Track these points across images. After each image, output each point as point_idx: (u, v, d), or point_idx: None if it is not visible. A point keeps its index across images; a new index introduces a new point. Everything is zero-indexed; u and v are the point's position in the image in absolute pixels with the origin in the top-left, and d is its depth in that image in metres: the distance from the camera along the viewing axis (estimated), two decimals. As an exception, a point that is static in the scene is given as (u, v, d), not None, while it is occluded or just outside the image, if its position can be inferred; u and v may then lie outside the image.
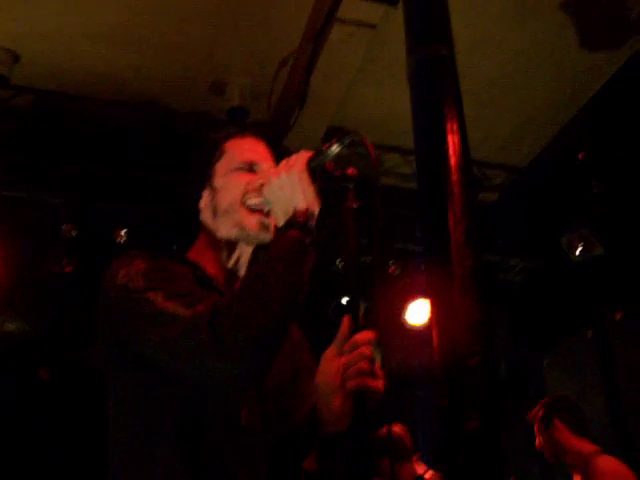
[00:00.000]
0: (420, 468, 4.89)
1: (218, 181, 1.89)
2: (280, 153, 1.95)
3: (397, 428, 4.81)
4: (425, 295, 5.56)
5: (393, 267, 6.03)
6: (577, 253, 5.65)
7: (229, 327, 1.45)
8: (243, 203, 1.82)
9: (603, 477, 3.94)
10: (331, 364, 1.63)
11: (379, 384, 1.55)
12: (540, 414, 4.27)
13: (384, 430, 4.58)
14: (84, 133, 5.21)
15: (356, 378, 1.54)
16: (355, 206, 1.69)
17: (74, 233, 5.19)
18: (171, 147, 5.36)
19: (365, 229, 1.68)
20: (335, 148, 1.67)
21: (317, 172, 1.69)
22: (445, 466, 1.99)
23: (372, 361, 1.56)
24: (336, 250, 5.29)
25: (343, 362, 1.59)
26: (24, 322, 5.91)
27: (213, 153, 1.93)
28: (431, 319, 2.37)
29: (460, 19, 3.47)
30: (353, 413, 1.57)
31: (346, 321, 1.64)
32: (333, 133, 1.70)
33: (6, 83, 4.80)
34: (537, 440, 4.29)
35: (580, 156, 5.47)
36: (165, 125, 5.38)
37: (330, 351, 1.66)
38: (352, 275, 1.63)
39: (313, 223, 1.65)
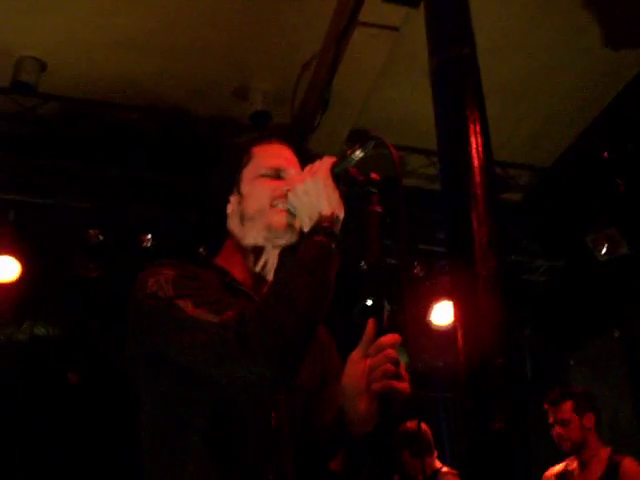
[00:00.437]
0: (437, 463, 4.94)
1: (245, 187, 1.90)
2: (304, 156, 1.97)
3: (424, 425, 4.87)
4: (449, 296, 5.56)
5: (417, 268, 6.03)
6: (603, 252, 5.61)
7: (257, 332, 1.47)
8: (272, 207, 1.84)
9: (630, 478, 4.01)
10: (357, 366, 1.64)
11: (405, 386, 1.56)
12: (575, 404, 4.29)
13: (408, 424, 4.65)
14: (109, 139, 5.27)
15: (381, 380, 1.55)
16: (379, 210, 1.70)
17: (100, 238, 5.25)
18: (195, 152, 5.40)
19: (389, 231, 1.69)
20: (359, 153, 1.69)
21: (341, 177, 1.71)
22: (470, 468, 2.00)
23: (397, 363, 1.57)
24: (361, 253, 5.30)
25: (368, 364, 1.60)
26: (52, 326, 5.98)
27: (240, 159, 1.94)
28: (455, 320, 2.37)
29: (482, 19, 3.47)
30: (378, 415, 1.58)
31: (371, 324, 1.65)
32: (356, 137, 1.72)
33: (33, 91, 4.86)
34: (560, 429, 4.31)
35: (605, 155, 5.44)
36: (189, 130, 5.43)
37: (356, 353, 1.66)
38: (376, 278, 1.64)
39: (338, 228, 1.67)
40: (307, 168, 1.74)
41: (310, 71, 5.10)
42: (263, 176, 1.89)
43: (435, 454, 5.04)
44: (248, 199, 1.88)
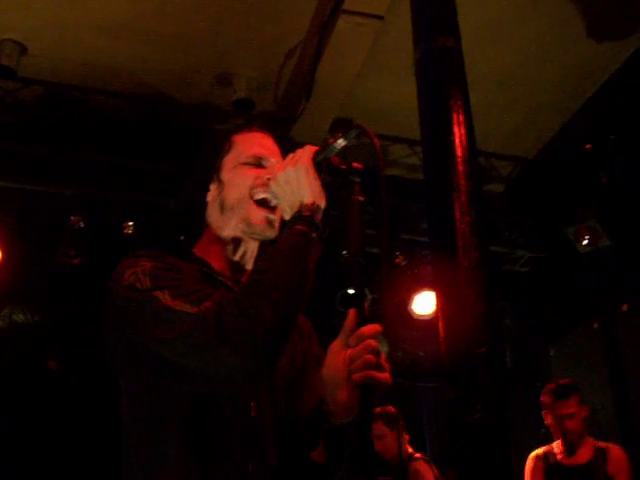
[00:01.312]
0: (409, 447, 4.97)
1: (225, 175, 1.88)
2: (286, 145, 1.96)
3: (389, 407, 4.89)
4: (431, 286, 5.58)
5: (399, 258, 6.04)
6: (584, 244, 5.65)
7: (235, 322, 1.45)
8: (251, 197, 1.82)
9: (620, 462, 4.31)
10: (337, 356, 1.62)
11: (386, 376, 1.56)
12: (579, 398, 4.46)
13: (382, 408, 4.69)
14: (91, 125, 5.23)
15: (362, 371, 1.54)
16: (361, 199, 1.69)
17: (82, 225, 5.22)
18: (178, 138, 5.37)
19: (371, 220, 1.68)
20: (341, 142, 1.68)
21: (323, 166, 1.70)
22: (452, 457, 2.01)
23: (378, 353, 1.56)
24: (342, 242, 5.30)
25: (349, 355, 1.59)
26: (32, 313, 5.94)
27: (221, 146, 1.93)
28: (437, 310, 2.37)
29: (467, 10, 3.46)
30: (359, 405, 1.57)
31: (351, 314, 1.64)
32: (339, 125, 1.71)
33: (14, 75, 4.81)
34: (569, 423, 4.42)
35: (587, 147, 5.46)
36: (172, 117, 5.40)
37: (336, 343, 1.65)
38: (358, 267, 1.63)
39: (319, 217, 1.65)
40: (289, 156, 1.73)
41: (294, 59, 5.09)
42: (244, 164, 1.88)
43: (407, 438, 5.06)
44: (228, 187, 1.87)
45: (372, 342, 1.57)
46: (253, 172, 1.86)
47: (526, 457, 4.66)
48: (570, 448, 4.41)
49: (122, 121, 5.29)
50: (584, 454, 4.39)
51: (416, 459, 4.86)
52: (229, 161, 1.90)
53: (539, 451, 4.60)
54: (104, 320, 1.67)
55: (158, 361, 1.55)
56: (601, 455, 4.34)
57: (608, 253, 5.65)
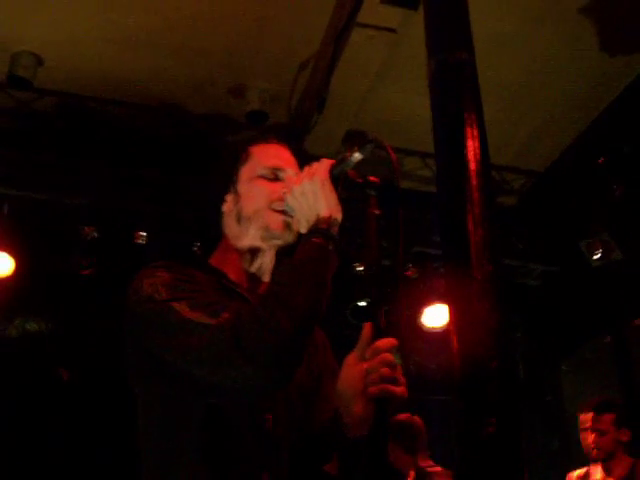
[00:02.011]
0: (424, 462, 4.89)
1: (242, 187, 1.89)
2: (301, 157, 1.96)
3: (417, 418, 4.80)
4: (443, 299, 5.56)
5: (411, 271, 6.03)
6: (596, 258, 5.63)
7: (253, 334, 1.46)
8: (268, 208, 1.83)
9: None
10: (352, 370, 1.63)
11: (402, 390, 1.57)
12: (615, 417, 4.44)
13: (400, 416, 4.60)
14: (105, 136, 5.26)
15: (379, 384, 1.55)
16: (377, 212, 1.70)
17: (95, 234, 5.24)
18: (191, 150, 5.40)
19: (386, 232, 1.69)
20: (357, 156, 1.70)
21: (340, 180, 1.71)
22: (462, 471, 1.99)
23: (394, 367, 1.57)
24: (358, 254, 5.30)
25: (365, 368, 1.60)
26: (45, 323, 5.96)
27: (238, 157, 1.93)
28: (450, 324, 2.36)
29: (480, 23, 3.46)
30: (373, 418, 1.57)
31: (367, 327, 1.65)
32: (355, 139, 1.72)
33: (30, 86, 4.85)
34: (595, 436, 4.41)
35: (600, 160, 5.45)
36: (185, 128, 5.42)
37: (352, 356, 1.66)
38: (373, 280, 1.64)
39: (336, 230, 1.66)
40: (305, 169, 1.74)
41: (307, 71, 5.11)
42: (261, 177, 1.88)
43: (428, 453, 4.99)
44: (245, 199, 1.87)
45: (388, 355, 1.58)
46: (270, 186, 1.86)
47: (537, 471, 4.63)
48: (607, 470, 4.39)
49: (136, 132, 5.32)
50: (618, 471, 4.37)
51: (433, 473, 4.81)
52: (245, 172, 1.91)
53: (576, 473, 4.59)
54: (122, 331, 1.68)
55: (175, 372, 1.57)
56: (633, 471, 4.32)
57: (620, 267, 5.63)
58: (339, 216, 1.69)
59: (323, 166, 1.71)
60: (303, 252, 1.63)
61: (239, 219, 1.87)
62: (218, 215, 1.90)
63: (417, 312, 6.23)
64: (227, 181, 1.91)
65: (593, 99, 5.53)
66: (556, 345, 6.48)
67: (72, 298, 5.79)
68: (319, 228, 1.65)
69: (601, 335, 5.99)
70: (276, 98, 5.26)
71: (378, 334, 1.61)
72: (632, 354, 5.70)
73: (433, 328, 6.19)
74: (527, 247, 6.30)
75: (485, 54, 4.50)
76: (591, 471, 4.49)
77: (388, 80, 5.17)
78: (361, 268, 5.46)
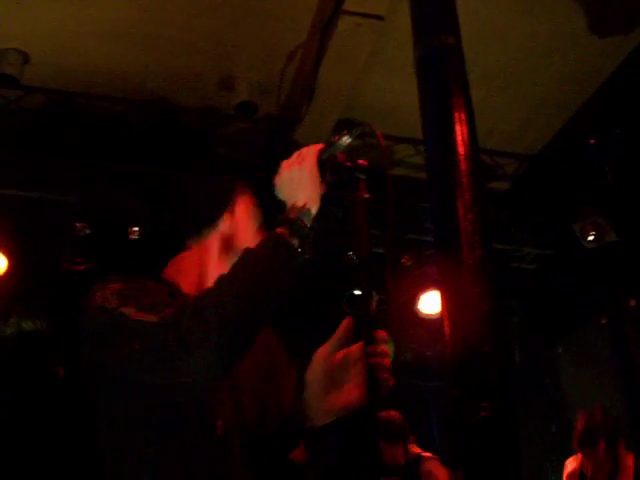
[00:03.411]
0: (416, 448, 4.91)
1: (239, 217, 1.91)
2: (290, 147, 1.96)
3: (392, 412, 4.84)
4: (437, 285, 5.56)
5: (405, 258, 6.03)
6: (590, 240, 5.63)
7: (191, 322, 1.46)
8: None
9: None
10: (324, 363, 1.69)
11: (391, 381, 1.61)
12: (607, 431, 4.22)
13: (385, 413, 4.63)
14: (95, 131, 5.24)
15: (379, 370, 1.58)
16: (367, 196, 1.69)
17: (87, 231, 5.22)
18: (181, 143, 5.38)
19: (378, 220, 1.68)
20: (346, 139, 1.68)
21: (328, 164, 1.70)
22: (457, 456, 2.00)
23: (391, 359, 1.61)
24: (349, 241, 5.29)
25: (352, 356, 1.66)
26: (40, 320, 5.95)
27: (234, 187, 1.95)
28: (442, 309, 2.37)
29: (467, 7, 3.45)
30: (365, 406, 1.61)
31: (346, 323, 1.69)
32: (343, 125, 1.71)
33: (17, 84, 4.82)
34: (595, 463, 4.25)
35: (591, 142, 5.44)
36: (175, 121, 5.40)
37: (323, 350, 1.71)
38: (363, 266, 1.63)
39: (307, 222, 1.64)
40: (295, 155, 1.73)
41: (296, 61, 5.08)
42: (252, 220, 1.92)
43: (411, 439, 5.01)
44: (241, 232, 1.89)
45: (386, 348, 1.61)
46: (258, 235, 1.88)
47: (535, 455, 4.61)
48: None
49: (125, 127, 5.29)
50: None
51: (427, 459, 4.82)
52: (242, 206, 1.93)
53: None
54: (79, 344, 1.69)
55: (126, 373, 1.58)
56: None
57: (615, 249, 5.63)
58: (314, 207, 1.67)
59: (312, 153, 1.69)
60: (261, 241, 1.63)
61: (228, 249, 1.87)
62: (194, 234, 1.89)
63: (412, 300, 6.24)
64: (219, 210, 1.90)
65: (584, 81, 5.52)
66: (553, 329, 6.48)
67: (66, 295, 5.77)
68: (288, 217, 1.63)
69: (597, 317, 6.00)
70: (265, 89, 5.24)
71: (368, 321, 1.60)
72: (628, 335, 5.71)
73: (429, 315, 6.19)
74: (521, 231, 6.30)
75: (474, 39, 4.50)
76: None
77: (377, 68, 5.15)
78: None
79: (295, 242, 1.60)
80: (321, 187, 1.69)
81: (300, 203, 1.65)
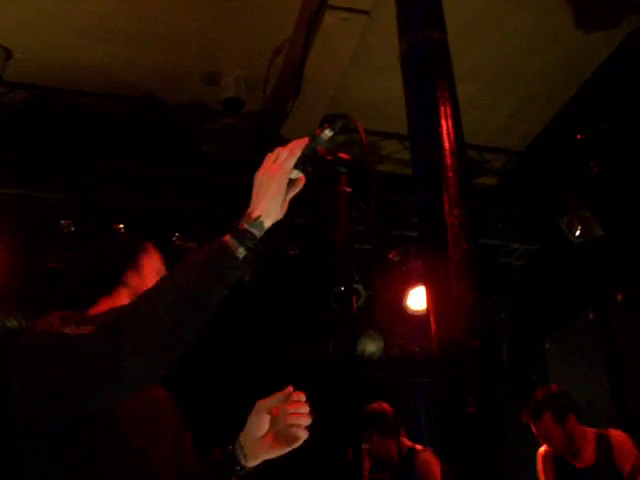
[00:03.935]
0: (407, 441, 4.93)
1: (146, 273, 2.00)
2: (276, 143, 1.93)
3: (384, 405, 4.85)
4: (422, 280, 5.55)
5: (393, 254, 6.02)
6: (577, 234, 5.63)
7: (127, 325, 1.49)
8: None
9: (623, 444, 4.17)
10: (262, 416, 1.91)
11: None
12: (552, 414, 4.27)
13: (371, 406, 4.66)
14: (79, 128, 5.20)
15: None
16: (348, 190, 1.67)
17: (72, 228, 5.18)
18: (167, 139, 5.35)
19: (363, 216, 1.66)
20: (327, 132, 1.65)
21: (309, 158, 1.67)
22: (444, 451, 1.99)
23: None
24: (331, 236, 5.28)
25: (280, 412, 1.90)
26: (25, 319, 5.90)
27: (136, 245, 2.07)
28: (428, 304, 2.36)
29: (453, 2, 3.44)
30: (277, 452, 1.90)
31: (288, 390, 1.90)
32: (326, 119, 1.68)
33: (-1, 80, 4.78)
34: (546, 441, 4.34)
35: (578, 137, 5.45)
36: (161, 117, 5.37)
37: (263, 403, 1.92)
38: (344, 261, 1.61)
39: (257, 233, 1.61)
40: (269, 157, 1.68)
41: (282, 56, 5.06)
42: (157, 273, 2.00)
43: (402, 433, 5.03)
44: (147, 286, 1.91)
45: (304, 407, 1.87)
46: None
47: (525, 449, 4.63)
48: (573, 453, 4.27)
49: (110, 123, 5.26)
50: (589, 452, 4.25)
51: (421, 451, 4.83)
52: (147, 263, 2.04)
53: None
54: (11, 378, 1.69)
55: (64, 383, 1.57)
56: (604, 443, 4.21)
57: (601, 243, 5.64)
58: (270, 220, 1.63)
59: (287, 161, 1.64)
60: (203, 247, 1.62)
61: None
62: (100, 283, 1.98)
63: (401, 295, 6.23)
64: (126, 259, 2.02)
65: (570, 76, 5.52)
66: (540, 323, 6.49)
67: (51, 293, 5.74)
68: (234, 226, 1.61)
69: (584, 312, 6.01)
70: (251, 84, 5.21)
71: (351, 316, 1.58)
72: (616, 329, 5.72)
73: (416, 311, 6.18)
74: (508, 226, 6.30)
75: (460, 35, 4.49)
76: None
77: (364, 63, 5.13)
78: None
79: (240, 251, 1.58)
80: (286, 200, 1.67)
81: (256, 213, 1.61)
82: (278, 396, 1.92)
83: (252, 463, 1.92)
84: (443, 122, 2.58)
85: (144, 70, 5.10)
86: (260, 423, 1.91)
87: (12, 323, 5.83)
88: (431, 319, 2.26)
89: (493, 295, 6.57)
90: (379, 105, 5.43)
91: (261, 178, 1.65)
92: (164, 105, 5.34)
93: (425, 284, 2.48)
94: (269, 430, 1.91)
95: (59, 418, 1.63)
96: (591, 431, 4.32)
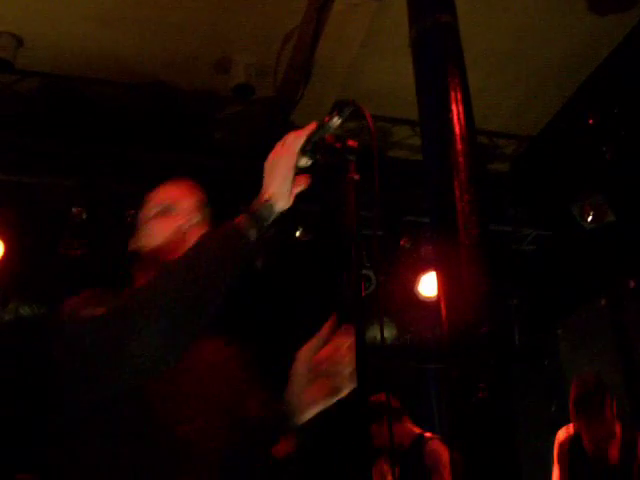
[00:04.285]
0: (415, 428, 4.94)
1: (140, 229, 1.98)
2: (287, 129, 1.93)
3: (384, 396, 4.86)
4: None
5: (404, 240, 6.01)
6: (589, 221, 5.60)
7: (137, 305, 1.50)
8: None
9: None
10: (307, 361, 1.80)
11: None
12: (605, 394, 4.14)
13: (376, 397, 4.67)
14: (90, 115, 5.21)
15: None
16: (356, 178, 1.67)
17: (84, 216, 5.20)
18: (178, 127, 5.35)
19: (371, 202, 1.66)
20: (336, 120, 1.65)
21: (318, 145, 1.67)
22: (455, 437, 1.99)
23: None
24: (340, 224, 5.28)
25: (328, 357, 1.78)
26: (38, 306, 5.94)
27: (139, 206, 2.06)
28: (439, 290, 2.36)
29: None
30: (333, 398, 1.80)
31: (327, 326, 1.77)
32: (335, 105, 1.68)
33: (11, 68, 4.78)
34: (596, 426, 4.16)
35: (590, 122, 5.41)
36: (172, 105, 5.36)
37: (306, 349, 1.81)
38: (351, 248, 1.61)
39: (268, 215, 1.63)
40: (278, 144, 1.69)
41: (292, 43, 5.04)
42: (153, 217, 1.95)
43: (405, 419, 5.01)
44: (143, 239, 1.94)
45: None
46: (160, 222, 1.93)
47: (536, 435, 4.60)
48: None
49: (121, 110, 5.26)
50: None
51: (429, 438, 4.84)
52: (142, 216, 2.00)
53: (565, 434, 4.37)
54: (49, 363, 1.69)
55: (83, 366, 1.56)
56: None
57: (614, 229, 5.61)
58: (281, 203, 1.64)
59: (295, 143, 1.66)
60: (216, 229, 1.63)
61: (144, 259, 1.92)
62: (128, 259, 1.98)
63: (412, 282, 6.23)
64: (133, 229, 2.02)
65: (583, 61, 5.48)
66: (552, 310, 6.48)
67: (64, 281, 5.76)
68: (249, 208, 1.62)
69: (597, 298, 5.98)
70: (262, 71, 5.20)
71: (359, 301, 1.58)
72: (628, 316, 5.69)
73: (428, 297, 6.18)
74: (520, 212, 6.28)
75: (471, 20, 4.46)
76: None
77: (374, 49, 5.11)
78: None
79: (251, 234, 1.59)
80: (299, 182, 1.68)
81: (267, 195, 1.63)
82: (318, 339, 1.82)
83: (301, 419, 1.82)
84: (454, 107, 2.57)
85: (155, 58, 5.10)
86: (299, 377, 1.82)
87: (25, 310, 5.87)
88: (442, 305, 2.26)
89: (505, 281, 6.56)
90: (390, 91, 5.41)
91: (270, 162, 1.67)
92: (175, 92, 5.34)
93: (436, 270, 2.48)
94: (313, 381, 1.80)
95: (81, 402, 1.63)
96: (619, 425, 4.17)
